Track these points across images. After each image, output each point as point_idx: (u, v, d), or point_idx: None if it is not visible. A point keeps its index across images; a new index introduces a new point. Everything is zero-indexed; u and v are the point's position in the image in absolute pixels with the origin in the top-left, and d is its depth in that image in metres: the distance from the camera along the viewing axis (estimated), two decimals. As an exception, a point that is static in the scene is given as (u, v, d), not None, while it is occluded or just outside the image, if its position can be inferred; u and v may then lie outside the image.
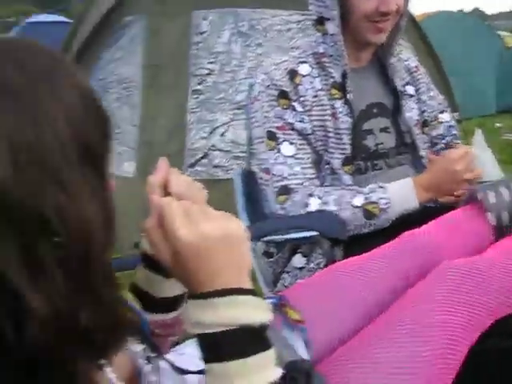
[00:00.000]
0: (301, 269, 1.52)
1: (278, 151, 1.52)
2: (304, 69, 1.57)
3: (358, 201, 1.50)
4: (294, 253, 1.54)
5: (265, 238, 1.37)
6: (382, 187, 1.51)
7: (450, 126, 1.80)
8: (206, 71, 3.41)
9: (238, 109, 3.36)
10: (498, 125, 7.62)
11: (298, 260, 1.52)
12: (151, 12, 3.44)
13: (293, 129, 1.53)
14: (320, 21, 1.57)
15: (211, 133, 3.38)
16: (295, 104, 1.54)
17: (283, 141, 1.53)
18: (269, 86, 1.55)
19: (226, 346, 0.68)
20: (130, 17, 3.53)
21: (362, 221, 1.49)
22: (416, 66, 1.76)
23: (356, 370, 1.00)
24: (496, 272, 1.16)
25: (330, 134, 1.55)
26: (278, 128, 1.53)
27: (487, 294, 1.13)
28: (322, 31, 1.57)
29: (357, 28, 1.55)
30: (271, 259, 1.60)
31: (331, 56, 1.57)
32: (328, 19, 1.55)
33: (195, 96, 3.39)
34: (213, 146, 3.37)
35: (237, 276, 0.71)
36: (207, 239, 0.68)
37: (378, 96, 1.66)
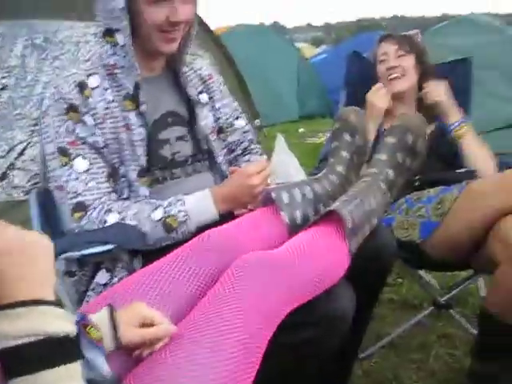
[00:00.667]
0: (105, 285, 1.48)
1: (71, 167, 1.49)
2: (94, 81, 1.54)
3: (158, 214, 1.50)
4: (97, 269, 1.49)
5: (62, 256, 1.31)
6: (180, 200, 1.53)
7: (245, 132, 1.86)
8: (0, 86, 3.21)
9: (36, 125, 3.23)
10: (301, 130, 8.07)
11: (102, 276, 1.48)
12: None
13: (85, 143, 1.51)
14: (109, 32, 1.55)
15: (9, 151, 3.20)
16: (86, 117, 1.51)
17: (76, 156, 1.50)
18: (58, 99, 1.51)
19: (30, 357, 0.67)
20: None
21: (163, 234, 1.50)
22: (209, 74, 1.80)
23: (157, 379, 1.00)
24: (285, 264, 1.23)
25: (125, 147, 1.54)
26: (69, 143, 1.50)
27: (278, 286, 1.19)
28: (112, 42, 1.55)
29: (148, 38, 1.55)
30: (74, 278, 1.54)
31: (123, 67, 1.55)
32: (118, 30, 1.53)
33: (-11, 113, 3.18)
34: (11, 165, 3.20)
35: (39, 288, 0.70)
36: (2, 253, 0.67)
37: (173, 105, 1.67)
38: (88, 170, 1.50)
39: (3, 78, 3.24)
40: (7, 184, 3.19)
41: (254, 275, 1.17)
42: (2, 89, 3.23)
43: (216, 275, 1.23)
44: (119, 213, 1.47)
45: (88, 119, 1.51)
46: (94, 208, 1.48)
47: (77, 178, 1.49)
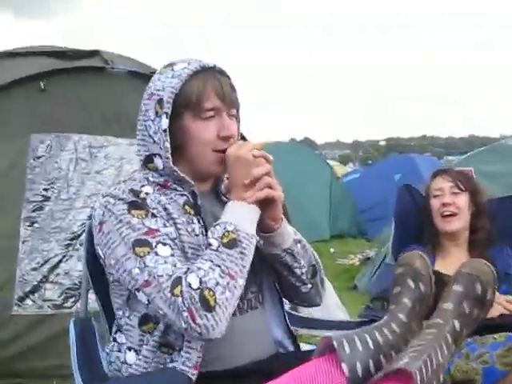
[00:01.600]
0: None
1: (156, 254, 1.36)
2: (146, 189, 1.47)
3: (214, 243, 1.37)
4: None
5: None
6: (215, 225, 1.41)
7: None
8: (41, 198, 3.22)
9: (73, 239, 3.22)
10: (331, 250, 7.98)
11: None
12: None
13: (160, 232, 1.39)
14: (149, 158, 1.51)
15: (43, 264, 3.16)
16: (150, 214, 1.41)
17: (157, 244, 1.37)
18: (114, 203, 1.41)
19: None
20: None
21: (236, 255, 1.36)
22: None
23: None
24: None
25: (186, 250, 1.43)
26: (145, 234, 1.37)
27: None
28: (153, 168, 1.51)
29: (199, 160, 1.50)
30: None
31: (174, 182, 1.49)
32: (155, 155, 1.48)
33: (28, 223, 3.17)
34: (44, 278, 3.15)
35: None
36: None
37: None
38: (172, 254, 1.37)
39: (45, 189, 3.25)
40: (39, 297, 3.13)
41: None
42: (44, 200, 3.22)
43: None
44: (193, 270, 1.33)
45: (155, 213, 1.42)
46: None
47: (165, 262, 1.34)
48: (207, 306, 1.30)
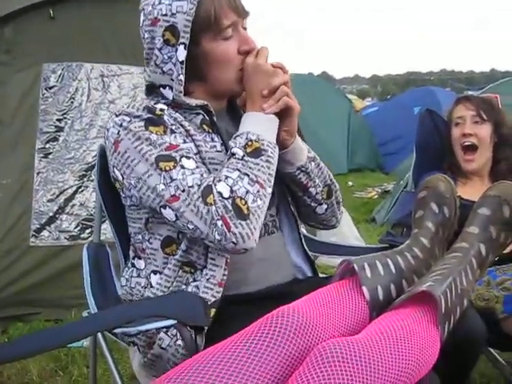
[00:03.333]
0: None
1: (182, 167, 1.30)
2: (160, 106, 1.40)
3: (239, 152, 1.34)
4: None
5: (118, 330, 1.16)
6: (236, 136, 1.38)
7: None
8: (55, 128, 3.17)
9: (88, 170, 3.18)
10: (349, 183, 7.93)
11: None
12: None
13: (180, 146, 1.34)
14: (153, 88, 1.44)
15: (59, 195, 3.14)
16: (168, 130, 1.36)
17: (181, 157, 1.32)
18: (130, 120, 1.35)
19: None
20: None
21: (262, 163, 1.33)
22: None
23: None
24: (373, 354, 1.07)
25: (208, 166, 1.38)
26: (167, 149, 1.32)
27: (365, 380, 1.03)
28: (160, 95, 1.44)
29: (221, 81, 1.44)
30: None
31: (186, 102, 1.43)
32: (164, 86, 1.41)
33: (42, 155, 3.13)
34: (60, 209, 3.14)
35: None
36: None
37: None
38: (197, 166, 1.33)
39: (58, 120, 3.19)
40: (55, 228, 3.13)
41: (340, 367, 1.02)
42: (57, 131, 3.17)
43: (292, 361, 1.08)
44: (220, 179, 1.30)
45: (173, 129, 1.37)
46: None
47: (192, 173, 1.30)
48: (241, 214, 1.26)
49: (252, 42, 1.42)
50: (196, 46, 1.38)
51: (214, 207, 1.26)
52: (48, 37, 3.21)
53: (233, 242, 1.26)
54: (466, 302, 1.34)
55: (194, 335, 1.19)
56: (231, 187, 1.28)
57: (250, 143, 1.34)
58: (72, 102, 3.23)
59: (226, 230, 1.25)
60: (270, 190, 1.34)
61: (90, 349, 1.70)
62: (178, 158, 1.31)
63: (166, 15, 1.36)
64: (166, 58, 1.38)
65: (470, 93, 2.52)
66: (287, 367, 1.07)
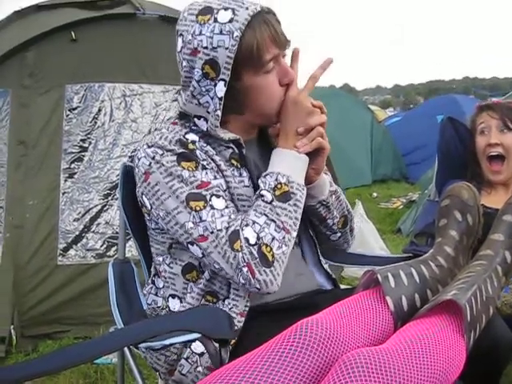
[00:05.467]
0: (201, 354, 1.33)
1: (212, 208, 1.31)
2: (192, 137, 1.40)
3: (267, 195, 1.34)
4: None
5: (142, 345, 1.17)
6: (265, 175, 1.38)
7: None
8: (79, 149, 3.21)
9: (112, 189, 3.22)
10: (374, 194, 7.88)
11: (198, 344, 1.32)
12: (20, 85, 3.22)
13: (212, 184, 1.35)
14: (187, 116, 1.44)
15: (84, 214, 3.18)
16: (200, 166, 1.36)
17: (211, 196, 1.32)
18: (163, 154, 1.35)
19: None
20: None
21: (289, 208, 1.34)
22: None
23: None
24: (400, 365, 1.06)
25: (236, 202, 1.39)
26: (198, 187, 1.32)
27: None
28: (193, 124, 1.43)
29: (261, 114, 1.43)
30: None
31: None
32: (200, 117, 1.40)
33: (67, 175, 3.18)
34: (86, 228, 3.17)
35: None
36: None
37: (267, 167, 1.53)
38: (227, 206, 1.33)
39: (82, 140, 3.23)
40: (81, 247, 3.16)
41: (365, 377, 1.01)
42: (81, 151, 3.22)
43: (316, 373, 1.08)
44: (247, 224, 1.30)
45: (205, 165, 1.37)
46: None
47: (222, 215, 1.31)
48: (266, 262, 1.28)
49: (291, 74, 1.41)
50: (237, 81, 1.36)
51: (240, 253, 1.28)
52: (70, 58, 3.27)
53: (256, 288, 1.29)
54: (492, 310, 1.33)
55: (218, 348, 1.20)
56: (258, 234, 1.29)
57: (279, 186, 1.35)
58: (95, 122, 3.27)
59: (250, 277, 1.28)
60: (294, 234, 1.35)
61: (117, 365, 1.71)
62: (208, 198, 1.32)
63: (206, 48, 1.32)
64: (204, 90, 1.36)
65: (493, 99, 2.44)
66: (312, 379, 1.07)
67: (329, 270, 1.64)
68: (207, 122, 1.39)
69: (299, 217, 1.37)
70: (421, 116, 9.45)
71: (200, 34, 1.33)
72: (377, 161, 8.76)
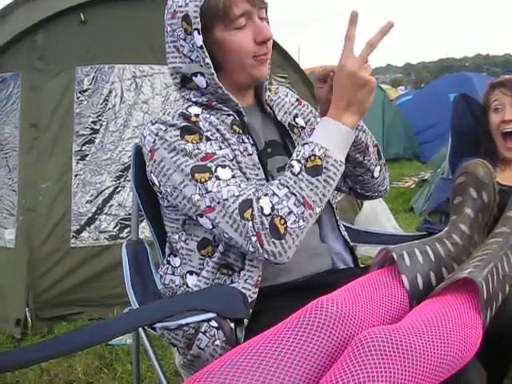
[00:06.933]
0: (219, 328, 1.32)
1: (217, 178, 1.31)
2: (195, 110, 1.41)
3: (296, 166, 1.31)
4: None
5: (158, 325, 1.17)
6: (304, 144, 1.34)
7: None
8: (90, 131, 3.21)
9: (124, 170, 3.23)
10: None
11: None
12: (30, 68, 3.21)
13: (216, 155, 1.34)
14: (187, 78, 1.43)
15: (97, 196, 3.19)
16: (204, 137, 1.36)
17: (216, 167, 1.32)
18: (166, 129, 1.36)
19: None
20: (6, 73, 3.28)
21: (317, 183, 1.30)
22: (297, 100, 1.67)
23: None
24: (416, 343, 1.05)
25: (243, 170, 1.38)
26: (203, 159, 1.32)
27: (407, 369, 1.02)
28: (194, 87, 1.44)
29: (236, 69, 1.42)
30: None
31: (217, 101, 1.43)
32: (195, 74, 1.41)
33: (79, 157, 3.18)
34: (98, 209, 3.18)
35: None
36: None
37: (270, 134, 1.53)
38: (233, 175, 1.32)
39: (93, 122, 3.23)
40: (94, 229, 3.17)
41: (381, 355, 1.00)
42: (93, 133, 3.22)
43: (332, 351, 1.07)
44: (266, 194, 1.28)
45: (209, 136, 1.37)
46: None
47: (227, 185, 1.30)
48: (277, 234, 1.26)
49: (267, 32, 1.39)
50: (210, 35, 1.38)
51: (250, 222, 1.26)
52: (79, 41, 3.26)
53: (265, 257, 1.28)
54: (508, 288, 1.32)
55: (234, 328, 1.19)
56: (274, 205, 1.27)
57: (312, 158, 1.31)
58: (106, 104, 3.27)
59: (259, 246, 1.26)
60: (318, 210, 1.32)
61: (132, 346, 1.72)
62: (213, 169, 1.31)
63: (181, 6, 1.37)
64: (191, 46, 1.38)
65: (505, 76, 2.42)
66: (328, 358, 1.07)
67: (347, 236, 1.63)
68: (204, 76, 1.40)
69: (328, 193, 1.32)
70: (432, 94, 9.37)
71: None
72: (389, 140, 8.70)
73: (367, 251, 3.65)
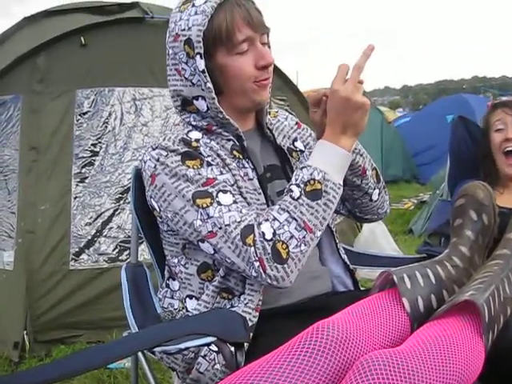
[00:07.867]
0: (219, 352, 1.31)
1: (219, 204, 1.31)
2: (195, 135, 1.42)
3: (296, 191, 1.31)
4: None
5: (157, 349, 1.16)
6: (302, 167, 1.34)
7: None
8: (90, 153, 3.22)
9: (124, 193, 3.22)
10: (385, 196, 7.84)
11: None
12: (31, 91, 3.23)
13: (217, 180, 1.35)
14: (187, 102, 1.44)
15: (96, 218, 3.18)
16: (205, 162, 1.37)
17: (217, 192, 1.32)
18: (167, 155, 1.36)
19: None
20: (7, 96, 3.29)
21: (317, 207, 1.30)
22: (297, 123, 1.67)
23: None
24: (418, 366, 1.05)
25: (244, 195, 1.39)
26: (204, 184, 1.33)
27: None
28: (194, 110, 1.44)
29: (238, 93, 1.43)
30: None
31: (217, 125, 1.44)
32: (196, 97, 1.41)
33: (78, 179, 3.18)
34: (98, 232, 3.17)
35: None
36: None
37: (269, 158, 1.53)
38: (235, 200, 1.32)
39: (93, 144, 3.24)
40: (94, 251, 3.16)
41: (383, 380, 1.00)
42: (92, 156, 3.23)
43: (333, 376, 1.07)
44: (266, 220, 1.29)
45: (210, 161, 1.37)
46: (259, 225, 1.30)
47: (229, 210, 1.30)
48: (279, 258, 1.26)
49: (269, 57, 1.40)
50: (212, 60, 1.39)
51: (252, 248, 1.27)
52: (80, 63, 3.28)
53: (268, 282, 1.28)
54: (510, 310, 1.32)
55: (234, 352, 1.19)
56: (275, 230, 1.27)
57: (312, 182, 1.31)
58: (106, 127, 3.28)
59: (261, 271, 1.26)
60: (319, 234, 1.32)
61: (131, 369, 1.71)
62: (214, 194, 1.32)
63: (184, 30, 1.38)
64: (193, 70, 1.38)
65: (503, 98, 2.43)
66: (329, 382, 1.06)
67: (347, 259, 1.63)
68: (205, 100, 1.40)
69: (328, 217, 1.33)
70: (430, 116, 9.42)
71: (180, 19, 1.39)
72: (387, 162, 8.73)
73: (367, 274, 3.64)
